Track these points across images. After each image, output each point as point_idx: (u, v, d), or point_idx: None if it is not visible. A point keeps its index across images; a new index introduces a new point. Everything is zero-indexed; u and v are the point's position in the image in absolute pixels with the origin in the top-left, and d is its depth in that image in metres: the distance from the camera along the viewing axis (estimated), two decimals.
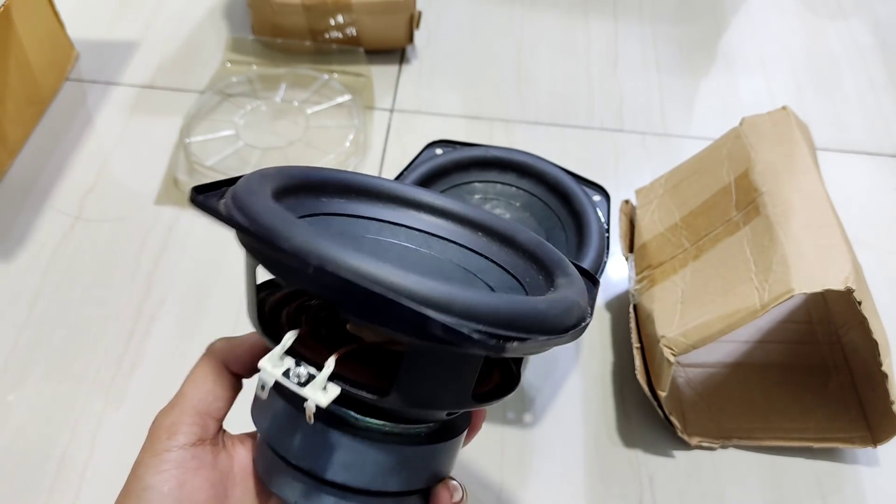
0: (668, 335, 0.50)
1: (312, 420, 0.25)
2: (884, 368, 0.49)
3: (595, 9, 0.93)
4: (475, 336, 0.22)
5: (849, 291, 0.45)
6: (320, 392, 0.25)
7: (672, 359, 0.49)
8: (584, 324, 0.28)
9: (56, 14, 0.77)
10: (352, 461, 0.28)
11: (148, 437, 0.30)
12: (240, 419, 0.34)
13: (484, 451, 0.55)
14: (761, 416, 0.57)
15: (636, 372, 0.53)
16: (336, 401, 0.26)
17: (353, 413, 0.28)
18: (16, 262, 0.65)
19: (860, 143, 0.80)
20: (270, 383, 0.25)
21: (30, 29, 0.72)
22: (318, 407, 0.25)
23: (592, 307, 0.30)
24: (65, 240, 0.66)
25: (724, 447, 0.56)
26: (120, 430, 0.55)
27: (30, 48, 0.72)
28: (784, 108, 0.57)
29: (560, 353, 0.61)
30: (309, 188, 0.31)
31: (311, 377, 0.25)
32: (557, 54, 0.87)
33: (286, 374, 0.25)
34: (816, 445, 0.55)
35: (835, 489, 0.54)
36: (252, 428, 0.32)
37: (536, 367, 0.60)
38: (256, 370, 0.32)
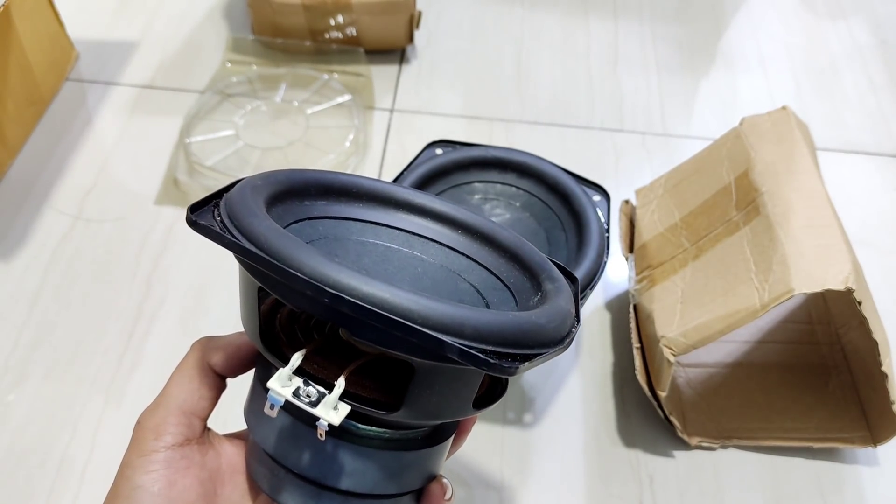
0: (668, 335, 0.50)
1: (324, 437, 0.26)
2: (884, 368, 0.49)
3: (595, 9, 0.93)
4: (491, 360, 0.23)
5: (849, 291, 0.45)
6: (332, 411, 0.25)
7: (672, 359, 0.49)
8: (575, 331, 0.29)
9: (56, 14, 0.77)
10: (355, 468, 0.29)
11: (133, 437, 0.30)
12: (223, 417, 0.34)
13: (484, 451, 0.55)
14: (761, 416, 0.57)
15: (636, 372, 0.53)
16: None
17: (355, 423, 0.28)
18: (16, 262, 0.65)
19: (860, 143, 0.80)
20: (281, 403, 0.25)
21: (30, 29, 0.72)
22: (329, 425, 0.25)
23: (577, 307, 0.31)
24: (65, 240, 0.66)
25: (724, 447, 0.56)
26: (120, 430, 0.55)
27: (30, 48, 0.72)
28: (784, 108, 0.57)
29: None
30: (293, 193, 0.32)
31: (321, 395, 0.26)
32: (557, 54, 0.87)
33: (296, 393, 0.26)
34: (816, 445, 0.55)
35: (835, 489, 0.54)
36: (237, 427, 0.32)
37: (536, 367, 0.60)
38: (242, 371, 0.32)
